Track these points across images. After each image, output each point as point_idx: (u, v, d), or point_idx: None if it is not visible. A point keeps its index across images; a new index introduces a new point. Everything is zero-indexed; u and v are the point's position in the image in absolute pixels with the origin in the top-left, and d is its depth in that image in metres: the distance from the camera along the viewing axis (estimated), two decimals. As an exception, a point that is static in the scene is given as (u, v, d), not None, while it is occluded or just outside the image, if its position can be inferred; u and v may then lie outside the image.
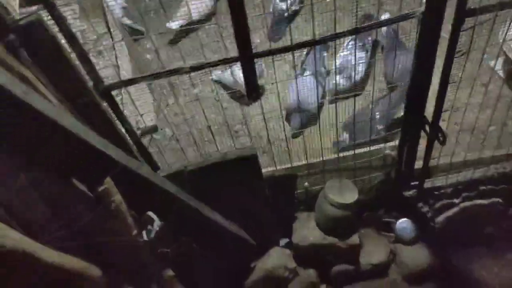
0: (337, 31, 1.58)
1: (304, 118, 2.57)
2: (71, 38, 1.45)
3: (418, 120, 2.04)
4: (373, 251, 2.55)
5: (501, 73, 2.90)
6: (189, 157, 2.07)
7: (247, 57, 1.58)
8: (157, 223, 1.76)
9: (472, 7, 1.55)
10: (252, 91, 1.70)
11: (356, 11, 1.61)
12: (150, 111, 2.49)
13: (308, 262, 2.50)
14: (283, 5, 3.12)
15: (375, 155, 2.28)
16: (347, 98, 2.29)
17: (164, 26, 3.00)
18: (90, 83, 1.58)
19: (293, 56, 1.75)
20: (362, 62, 2.78)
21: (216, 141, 2.05)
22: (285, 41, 3.00)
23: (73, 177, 1.54)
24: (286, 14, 3.12)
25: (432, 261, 2.54)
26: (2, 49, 1.32)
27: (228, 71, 2.81)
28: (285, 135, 2.21)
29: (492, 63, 2.86)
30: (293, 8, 3.21)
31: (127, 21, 3.13)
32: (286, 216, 2.49)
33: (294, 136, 2.61)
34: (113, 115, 1.70)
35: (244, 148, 2.04)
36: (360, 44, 2.82)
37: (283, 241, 2.54)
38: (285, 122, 2.57)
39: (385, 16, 2.71)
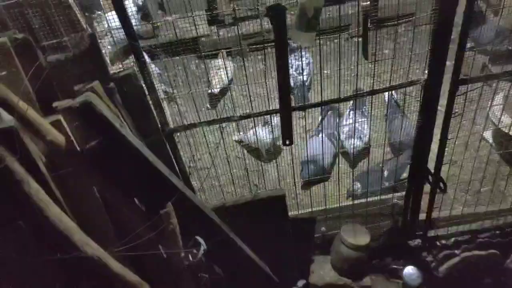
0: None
1: (313, 170, 2.93)
2: (152, 88, 1.85)
3: (422, 172, 2.40)
4: (383, 295, 2.78)
5: (491, 141, 3.30)
6: (226, 197, 2.40)
7: (287, 110, 1.98)
8: (203, 247, 2.03)
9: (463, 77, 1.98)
10: (287, 138, 2.07)
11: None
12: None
13: (324, 303, 2.72)
14: (299, 77, 3.64)
15: (384, 203, 2.60)
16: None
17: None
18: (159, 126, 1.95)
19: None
20: (366, 125, 3.21)
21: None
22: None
23: (140, 199, 1.87)
24: (305, 82, 3.63)
25: (437, 307, 2.76)
26: (103, 92, 1.72)
27: (251, 132, 3.20)
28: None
29: (485, 134, 3.31)
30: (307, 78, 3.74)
31: (162, 86, 3.60)
32: (305, 258, 2.75)
33: (304, 187, 2.96)
34: (171, 154, 2.05)
35: (274, 189, 2.37)
36: (360, 111, 3.27)
37: (301, 283, 2.77)
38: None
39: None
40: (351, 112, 3.27)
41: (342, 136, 3.25)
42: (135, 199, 1.90)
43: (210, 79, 3.71)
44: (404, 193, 2.57)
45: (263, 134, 3.08)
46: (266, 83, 2.01)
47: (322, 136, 3.17)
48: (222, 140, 2.13)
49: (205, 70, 3.86)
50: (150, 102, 1.87)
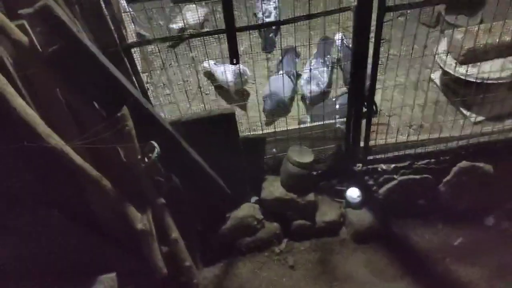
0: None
1: (274, 102, 3.19)
2: (109, 4, 2.08)
3: (359, 98, 2.67)
4: (327, 212, 3.12)
5: (438, 82, 3.58)
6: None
7: (231, 30, 2.22)
8: (157, 151, 2.31)
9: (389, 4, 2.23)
10: (234, 57, 2.32)
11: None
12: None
13: (273, 216, 3.06)
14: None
15: (328, 128, 2.89)
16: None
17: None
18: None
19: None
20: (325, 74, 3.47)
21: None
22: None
23: (98, 102, 2.13)
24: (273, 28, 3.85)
25: (374, 223, 3.10)
26: (62, 2, 1.95)
27: (222, 68, 3.41)
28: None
29: (433, 75, 3.59)
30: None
31: (139, 30, 3.81)
32: (257, 177, 3.06)
33: (268, 121, 3.24)
34: (129, 67, 2.30)
35: (225, 108, 2.64)
36: (321, 60, 3.51)
37: (253, 199, 3.09)
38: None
39: (338, 36, 3.47)
40: (314, 60, 3.51)
41: (302, 82, 3.49)
42: (94, 102, 2.16)
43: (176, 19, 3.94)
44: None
45: (231, 75, 3.28)
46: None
47: (282, 74, 3.43)
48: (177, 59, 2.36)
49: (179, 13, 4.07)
50: (108, 17, 2.10)
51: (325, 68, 3.50)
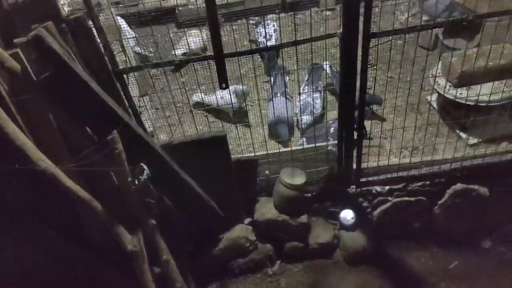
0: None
1: (285, 127, 3.29)
2: (101, 32, 2.17)
3: (349, 121, 2.71)
4: (320, 234, 3.13)
5: (435, 104, 3.60)
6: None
7: (220, 56, 2.29)
8: (146, 173, 2.37)
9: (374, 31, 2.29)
10: (223, 82, 2.38)
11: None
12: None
13: (266, 238, 3.08)
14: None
15: (321, 150, 2.92)
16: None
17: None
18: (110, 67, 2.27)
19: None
20: (318, 101, 3.52)
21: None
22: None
23: (89, 126, 2.20)
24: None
25: (368, 246, 3.10)
26: (56, 31, 2.04)
27: (214, 97, 3.48)
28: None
29: (429, 97, 3.62)
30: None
31: (138, 49, 3.92)
32: (250, 199, 3.09)
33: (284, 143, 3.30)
34: (122, 92, 2.38)
35: (217, 131, 2.69)
36: (314, 87, 3.57)
37: (247, 220, 3.12)
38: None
39: (326, 62, 3.55)
40: (306, 86, 3.58)
41: (296, 109, 3.55)
42: (86, 127, 2.24)
43: (181, 43, 4.05)
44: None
45: (228, 97, 3.35)
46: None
47: (279, 96, 3.50)
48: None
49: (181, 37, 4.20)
50: (101, 44, 2.19)
51: (318, 94, 3.55)
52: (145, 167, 2.36)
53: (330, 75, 3.64)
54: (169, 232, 2.66)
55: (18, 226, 2.44)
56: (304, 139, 3.22)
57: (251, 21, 4.33)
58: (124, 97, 2.40)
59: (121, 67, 2.32)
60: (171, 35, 4.18)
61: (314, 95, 3.48)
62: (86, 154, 2.14)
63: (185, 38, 4.06)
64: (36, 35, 1.86)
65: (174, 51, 3.72)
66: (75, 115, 2.15)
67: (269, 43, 4.00)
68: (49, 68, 1.99)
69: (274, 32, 4.19)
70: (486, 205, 3.12)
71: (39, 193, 2.27)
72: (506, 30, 2.57)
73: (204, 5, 2.05)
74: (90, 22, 2.14)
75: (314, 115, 3.41)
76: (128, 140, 2.27)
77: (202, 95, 3.57)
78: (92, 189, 2.30)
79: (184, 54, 3.92)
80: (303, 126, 3.42)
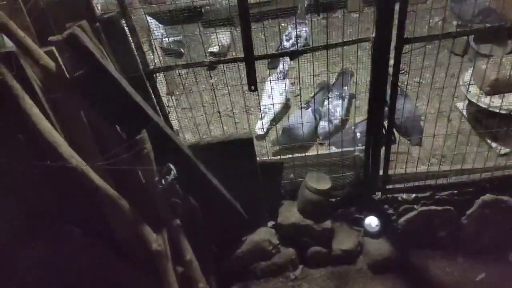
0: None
1: (288, 139, 3.25)
2: (133, 32, 2.18)
3: (378, 126, 2.67)
4: (344, 240, 3.08)
5: (465, 112, 3.52)
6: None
7: (250, 58, 2.28)
8: (173, 173, 2.37)
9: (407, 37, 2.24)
10: (252, 85, 2.37)
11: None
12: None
13: (289, 242, 3.05)
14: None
15: (346, 155, 2.88)
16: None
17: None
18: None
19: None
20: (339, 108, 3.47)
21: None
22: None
23: (120, 125, 2.22)
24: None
25: (393, 253, 3.04)
26: (89, 30, 2.05)
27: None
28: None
29: (459, 104, 3.54)
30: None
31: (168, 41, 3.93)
32: (274, 202, 3.07)
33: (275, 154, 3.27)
34: (151, 91, 2.39)
35: (243, 133, 2.68)
36: (337, 93, 3.52)
37: (270, 223, 3.10)
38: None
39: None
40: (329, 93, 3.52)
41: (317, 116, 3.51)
42: (117, 126, 2.25)
43: (211, 41, 4.07)
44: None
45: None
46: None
47: (308, 109, 3.45)
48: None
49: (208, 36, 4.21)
50: (132, 44, 2.20)
51: (341, 101, 3.48)
52: (172, 167, 2.36)
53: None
54: (194, 232, 2.66)
55: (44, 226, 2.48)
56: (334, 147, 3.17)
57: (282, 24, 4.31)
58: (153, 96, 2.41)
59: (151, 66, 2.33)
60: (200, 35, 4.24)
61: (334, 102, 3.44)
62: (115, 153, 2.16)
63: (213, 37, 4.07)
64: (71, 33, 1.87)
65: (205, 52, 3.74)
66: (106, 113, 2.16)
67: (293, 47, 3.97)
68: (83, 66, 2.01)
69: (305, 32, 4.14)
70: (516, 216, 3.04)
71: (66, 192, 2.30)
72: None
73: (233, 4, 2.03)
74: (123, 21, 2.15)
75: (334, 122, 3.36)
76: (156, 140, 2.27)
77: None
78: (119, 187, 2.31)
79: (211, 53, 3.92)
80: (321, 132, 3.39)
